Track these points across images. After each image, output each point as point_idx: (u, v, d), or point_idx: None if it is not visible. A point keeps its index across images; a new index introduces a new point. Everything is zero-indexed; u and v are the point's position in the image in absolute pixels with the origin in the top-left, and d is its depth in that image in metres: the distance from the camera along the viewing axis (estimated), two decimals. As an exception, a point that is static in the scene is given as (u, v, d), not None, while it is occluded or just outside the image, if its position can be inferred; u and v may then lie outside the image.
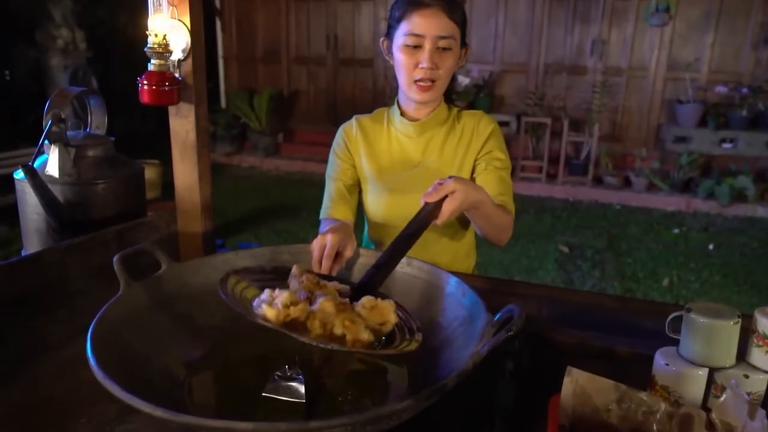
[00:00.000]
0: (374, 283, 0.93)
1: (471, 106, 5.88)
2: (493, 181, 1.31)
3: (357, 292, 0.89)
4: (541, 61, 6.14)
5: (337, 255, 1.04)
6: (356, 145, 1.42)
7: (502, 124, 1.46)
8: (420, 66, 1.26)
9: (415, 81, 1.28)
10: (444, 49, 1.26)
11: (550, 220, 4.92)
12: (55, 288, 1.11)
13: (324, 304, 0.77)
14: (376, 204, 1.43)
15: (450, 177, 1.00)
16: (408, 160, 1.40)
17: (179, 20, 1.30)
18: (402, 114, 1.39)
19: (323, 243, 1.02)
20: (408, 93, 1.32)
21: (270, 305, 0.77)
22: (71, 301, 1.12)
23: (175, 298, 0.97)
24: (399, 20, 1.28)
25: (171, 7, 1.30)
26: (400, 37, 1.27)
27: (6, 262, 1.07)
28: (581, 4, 5.91)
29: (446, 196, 0.97)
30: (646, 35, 5.75)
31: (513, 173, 1.41)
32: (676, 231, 4.72)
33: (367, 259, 1.09)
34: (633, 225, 4.85)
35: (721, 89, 5.45)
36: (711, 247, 4.34)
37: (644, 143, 5.92)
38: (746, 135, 5.36)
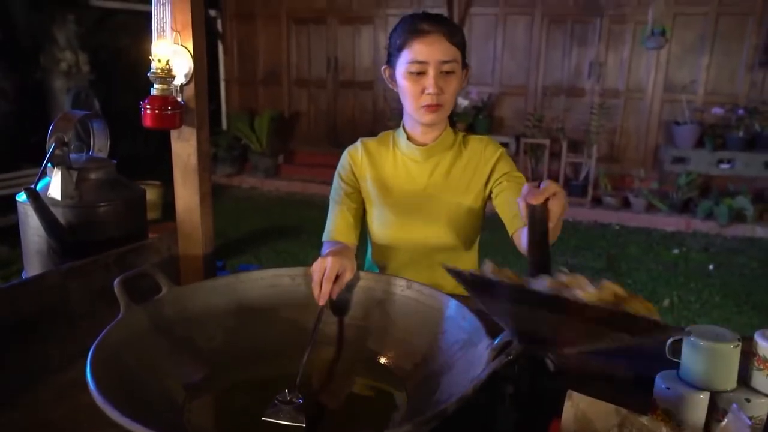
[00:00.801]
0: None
1: (470, 127, 5.93)
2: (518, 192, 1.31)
3: None
4: (539, 83, 6.21)
5: (337, 277, 1.04)
6: (362, 168, 1.43)
7: (501, 145, 1.46)
8: (426, 92, 1.27)
9: (422, 106, 1.29)
10: (447, 72, 1.27)
11: (549, 240, 4.92)
12: (56, 311, 1.11)
13: (613, 287, 0.72)
14: (381, 227, 1.43)
15: (540, 182, 0.93)
16: (414, 184, 1.40)
17: (182, 46, 1.32)
18: (408, 138, 1.39)
19: (323, 266, 1.03)
20: (415, 116, 1.33)
21: (584, 291, 0.72)
22: (72, 324, 1.12)
23: (176, 321, 0.97)
24: (400, 48, 1.29)
25: (174, 33, 1.32)
26: (403, 64, 1.28)
27: (7, 285, 1.07)
28: (578, 27, 6.00)
29: (547, 198, 0.89)
30: (643, 58, 5.83)
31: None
32: (676, 251, 4.72)
33: (367, 282, 1.09)
34: (632, 245, 4.85)
35: (717, 111, 5.50)
36: (711, 267, 4.34)
37: (642, 164, 5.95)
38: (743, 156, 5.40)
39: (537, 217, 0.89)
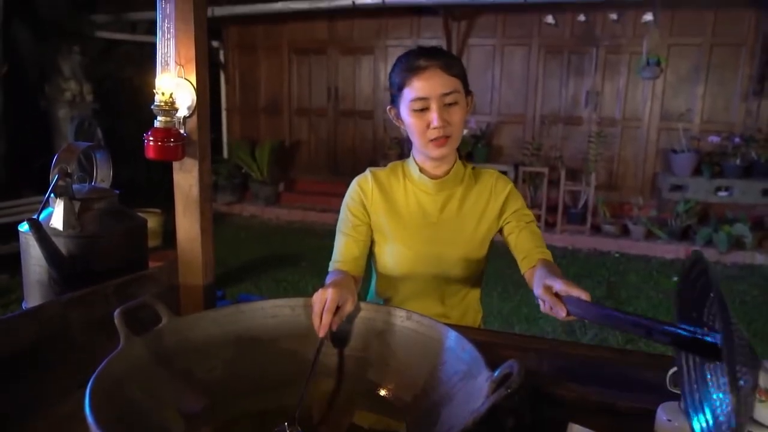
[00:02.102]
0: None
1: (469, 156, 5.98)
2: (528, 237, 1.37)
3: None
4: (537, 112, 6.29)
5: (338, 309, 1.04)
6: (373, 200, 1.41)
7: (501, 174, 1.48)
8: (432, 126, 1.26)
9: (430, 140, 1.29)
10: (451, 104, 1.27)
11: (549, 268, 4.91)
12: (56, 342, 1.11)
13: None
14: (392, 259, 1.42)
15: (540, 296, 1.05)
16: (426, 216, 1.40)
17: (185, 79, 1.35)
18: (420, 170, 1.39)
19: (324, 297, 1.03)
20: (424, 151, 1.33)
21: None
22: (72, 355, 1.11)
23: (176, 352, 0.97)
24: (401, 87, 1.30)
25: (178, 66, 1.34)
26: (406, 102, 1.29)
27: (7, 316, 1.07)
28: (575, 57, 6.10)
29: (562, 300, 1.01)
30: (639, 87, 5.91)
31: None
32: (676, 279, 4.70)
33: (367, 313, 1.09)
34: (632, 273, 4.84)
35: (713, 139, 5.56)
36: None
37: (641, 192, 5.99)
38: (741, 183, 5.43)
39: (594, 312, 0.94)
